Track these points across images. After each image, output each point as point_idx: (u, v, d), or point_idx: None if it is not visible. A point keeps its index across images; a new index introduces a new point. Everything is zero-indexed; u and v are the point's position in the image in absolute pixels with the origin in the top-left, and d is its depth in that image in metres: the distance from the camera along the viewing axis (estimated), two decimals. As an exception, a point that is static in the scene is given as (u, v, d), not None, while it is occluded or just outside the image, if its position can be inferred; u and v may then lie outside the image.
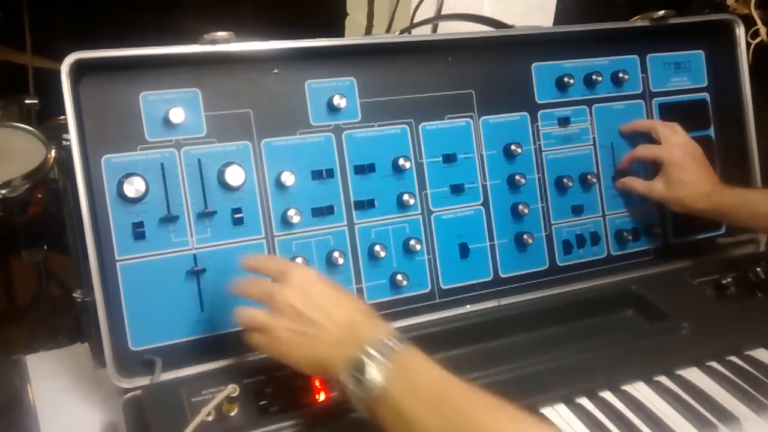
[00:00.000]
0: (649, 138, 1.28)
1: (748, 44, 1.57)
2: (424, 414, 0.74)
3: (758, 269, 1.25)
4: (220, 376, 0.95)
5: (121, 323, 0.98)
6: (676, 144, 1.24)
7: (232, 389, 0.91)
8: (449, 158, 1.18)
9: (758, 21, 1.73)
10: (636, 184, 1.27)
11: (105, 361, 0.95)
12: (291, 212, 1.06)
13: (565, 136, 1.27)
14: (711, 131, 1.39)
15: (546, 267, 1.24)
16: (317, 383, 0.96)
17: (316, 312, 0.85)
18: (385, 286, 1.13)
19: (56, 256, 1.91)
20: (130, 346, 0.99)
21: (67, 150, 0.95)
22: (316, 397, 0.95)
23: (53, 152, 1.69)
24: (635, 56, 1.33)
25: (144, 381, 0.96)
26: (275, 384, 0.95)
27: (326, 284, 0.90)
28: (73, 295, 1.06)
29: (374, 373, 0.77)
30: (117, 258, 0.99)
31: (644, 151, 1.27)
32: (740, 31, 1.35)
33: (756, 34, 1.72)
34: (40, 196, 1.69)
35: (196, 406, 0.90)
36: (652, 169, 1.28)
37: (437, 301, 1.16)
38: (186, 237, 1.02)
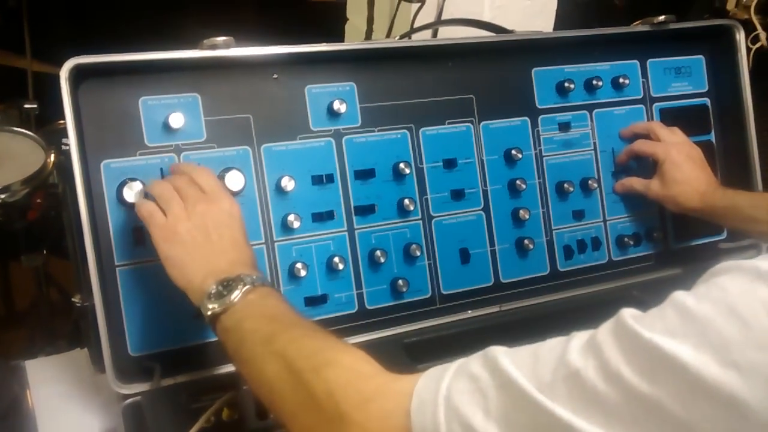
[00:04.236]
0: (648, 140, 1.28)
1: (749, 49, 1.58)
2: (258, 327, 0.79)
3: (759, 274, 1.25)
4: (219, 382, 0.95)
5: (120, 329, 0.98)
6: (673, 143, 1.25)
7: (232, 395, 0.91)
8: (450, 163, 1.18)
9: (758, 26, 1.74)
10: (635, 182, 1.28)
11: (104, 366, 0.94)
12: (291, 217, 1.06)
13: (565, 141, 1.26)
14: (712, 136, 1.39)
15: (547, 272, 1.24)
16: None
17: (219, 238, 0.88)
18: (386, 292, 1.13)
19: (56, 260, 1.91)
20: (130, 351, 0.99)
21: (67, 155, 0.94)
22: (317, 403, 0.95)
23: (53, 157, 1.69)
24: (636, 61, 1.33)
25: (143, 387, 0.95)
26: (275, 390, 0.95)
27: (241, 227, 0.92)
28: (73, 300, 1.06)
29: (236, 293, 0.81)
30: (116, 263, 0.98)
31: (642, 146, 1.27)
32: (740, 36, 1.35)
33: (756, 39, 1.72)
34: (39, 200, 1.68)
35: (195, 413, 0.90)
36: (651, 169, 1.27)
37: (438, 306, 1.16)
38: (186, 242, 1.01)
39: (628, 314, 0.55)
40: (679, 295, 0.55)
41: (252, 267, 0.88)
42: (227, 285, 0.82)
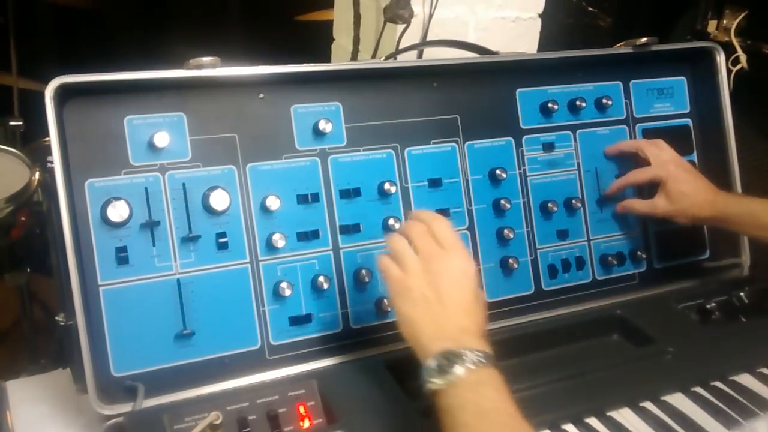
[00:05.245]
0: (634, 158, 1.30)
1: (729, 71, 1.59)
2: (470, 422, 0.78)
3: (742, 294, 1.26)
4: (203, 402, 0.94)
5: (103, 348, 0.97)
6: (666, 159, 1.26)
7: (215, 416, 0.90)
8: (435, 183, 1.18)
9: (738, 48, 1.76)
10: (637, 205, 1.29)
11: (87, 386, 0.94)
12: (276, 237, 1.06)
13: (549, 161, 1.28)
14: (694, 156, 1.41)
15: (531, 291, 1.24)
16: (302, 410, 0.95)
17: (451, 301, 0.88)
18: (371, 312, 1.13)
19: (40, 278, 1.89)
20: (113, 371, 0.98)
21: (51, 173, 0.94)
22: (300, 424, 0.94)
23: (37, 174, 1.68)
24: (618, 82, 1.35)
25: (126, 407, 0.94)
26: (259, 411, 0.94)
27: (474, 289, 0.92)
28: (56, 318, 1.05)
29: (458, 372, 0.81)
30: (100, 282, 0.98)
31: (638, 175, 1.27)
32: (721, 59, 1.37)
33: (736, 61, 1.74)
34: (23, 218, 1.67)
35: (178, 434, 0.89)
36: (647, 191, 1.28)
37: (423, 325, 1.16)
38: (170, 262, 1.01)
39: None
40: None
41: (479, 337, 0.87)
42: (450, 360, 0.82)
